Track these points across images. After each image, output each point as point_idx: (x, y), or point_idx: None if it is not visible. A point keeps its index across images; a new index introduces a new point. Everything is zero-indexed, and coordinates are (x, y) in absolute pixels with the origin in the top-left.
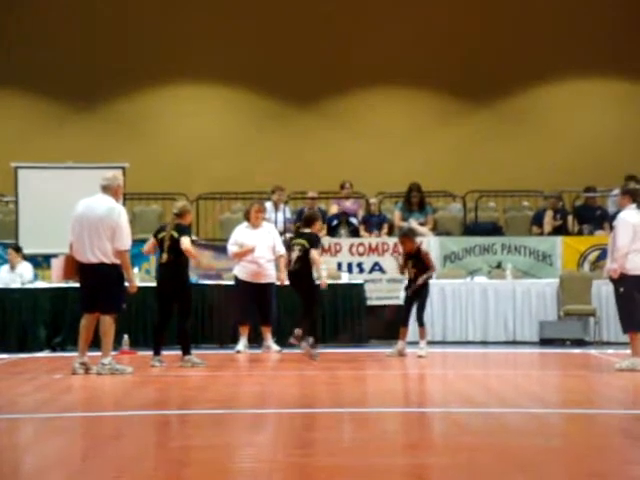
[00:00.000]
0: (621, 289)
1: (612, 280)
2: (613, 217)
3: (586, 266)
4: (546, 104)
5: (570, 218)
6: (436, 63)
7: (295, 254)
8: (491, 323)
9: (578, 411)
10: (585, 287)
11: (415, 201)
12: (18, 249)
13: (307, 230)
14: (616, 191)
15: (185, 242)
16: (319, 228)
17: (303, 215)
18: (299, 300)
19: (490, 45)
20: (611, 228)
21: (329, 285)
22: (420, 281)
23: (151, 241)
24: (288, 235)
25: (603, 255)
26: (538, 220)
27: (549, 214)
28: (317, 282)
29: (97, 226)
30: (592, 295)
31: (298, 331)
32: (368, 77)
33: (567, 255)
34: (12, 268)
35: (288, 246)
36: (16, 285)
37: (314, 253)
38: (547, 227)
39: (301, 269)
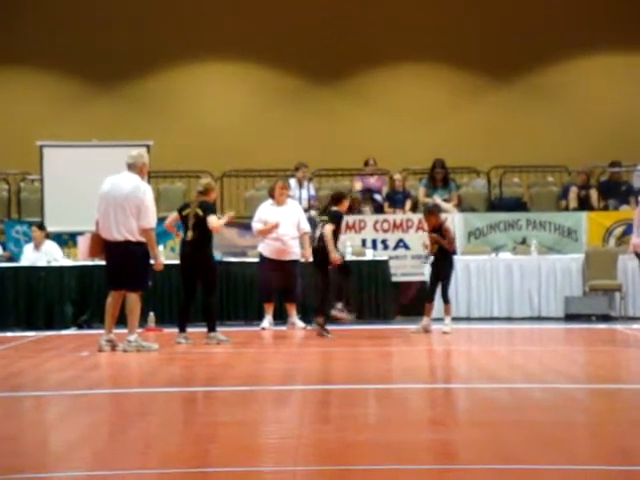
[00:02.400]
0: None
1: (638, 255)
2: (638, 192)
3: (611, 241)
4: (571, 79)
5: (595, 193)
6: (460, 38)
7: (319, 231)
8: (516, 299)
9: (604, 386)
10: (611, 262)
11: (439, 177)
12: (42, 227)
13: (334, 208)
14: None
15: (212, 221)
16: (346, 206)
17: (333, 193)
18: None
19: (515, 20)
20: (637, 203)
21: (354, 262)
22: (431, 250)
23: (173, 216)
24: (312, 212)
25: (629, 230)
26: (564, 196)
27: (574, 190)
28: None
29: (123, 204)
30: (618, 270)
31: (340, 305)
32: (392, 53)
33: (592, 230)
34: (37, 247)
35: (313, 223)
36: (42, 263)
37: (327, 228)
38: (572, 202)
39: (324, 246)
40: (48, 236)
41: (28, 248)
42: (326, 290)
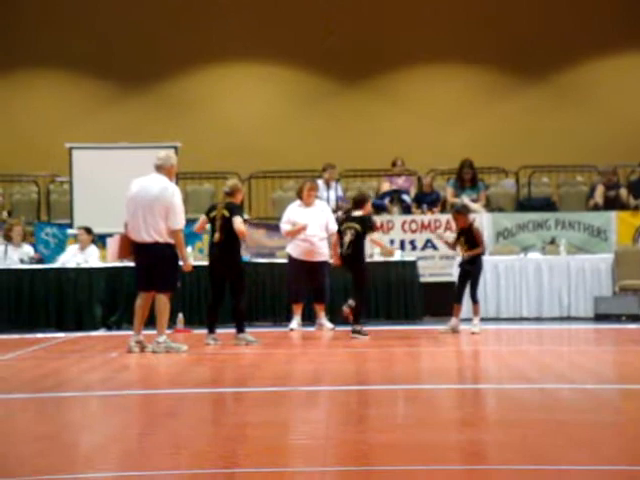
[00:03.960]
0: None
1: None
2: None
3: None
4: (599, 78)
5: (625, 193)
6: (487, 38)
7: (348, 238)
8: (545, 299)
9: (634, 387)
10: None
11: (467, 177)
12: (90, 231)
13: (358, 212)
14: None
15: (237, 222)
16: (370, 209)
17: (354, 196)
18: (351, 280)
19: (543, 19)
20: None
21: (383, 263)
22: (466, 257)
23: (202, 219)
24: (340, 213)
25: None
26: (592, 195)
27: (600, 188)
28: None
29: (151, 205)
30: None
31: (352, 302)
32: (419, 53)
33: (622, 230)
34: (81, 249)
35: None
36: (71, 265)
37: (375, 236)
38: (598, 200)
39: (353, 253)
40: (94, 241)
41: (71, 249)
42: (361, 295)
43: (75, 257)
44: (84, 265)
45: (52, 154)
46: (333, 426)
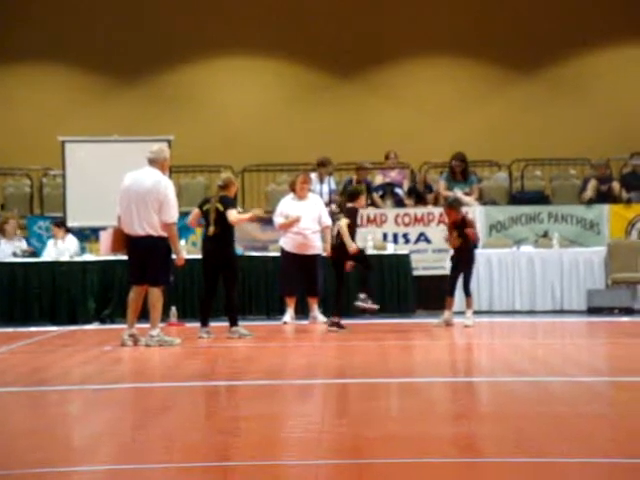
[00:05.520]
0: None
1: None
2: None
3: (634, 234)
4: (592, 71)
5: (617, 186)
6: (480, 31)
7: (336, 229)
8: (538, 292)
9: (627, 379)
10: (633, 255)
11: (458, 170)
12: (61, 224)
13: (350, 205)
14: None
15: (231, 216)
16: (363, 203)
17: (347, 189)
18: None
19: (534, 12)
20: None
21: (375, 256)
22: (454, 243)
23: (195, 212)
24: (333, 206)
25: None
26: (584, 188)
27: (593, 181)
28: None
29: (145, 199)
30: None
31: (363, 295)
32: (411, 46)
33: (615, 223)
34: (58, 242)
35: (334, 217)
36: (64, 258)
37: (342, 221)
38: (591, 193)
39: (342, 243)
40: (70, 231)
41: (50, 243)
42: (340, 287)
43: (56, 248)
44: (76, 258)
45: (45, 147)
46: (327, 419)
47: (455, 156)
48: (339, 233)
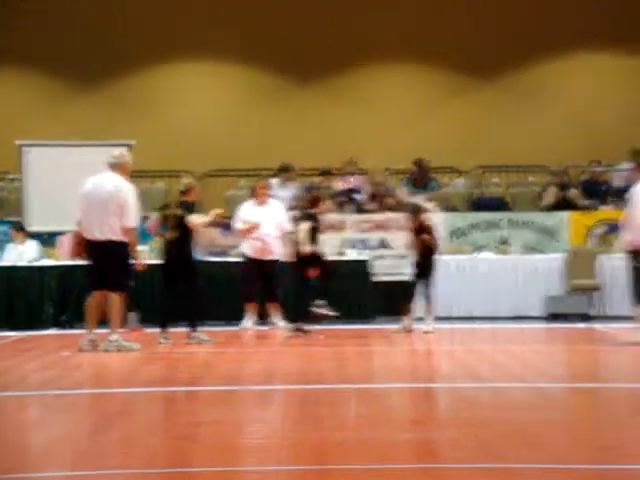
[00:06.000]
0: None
1: (631, 252)
2: (618, 191)
3: (593, 241)
4: (550, 79)
5: (576, 193)
6: (441, 37)
7: (301, 234)
8: (498, 298)
9: (584, 385)
10: (591, 262)
11: (417, 177)
12: (20, 228)
13: (312, 211)
14: (623, 165)
15: (192, 220)
16: (324, 209)
17: (308, 195)
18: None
19: (496, 19)
20: (619, 202)
21: (335, 261)
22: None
23: (155, 218)
24: (295, 212)
25: (611, 230)
26: (544, 195)
27: (551, 188)
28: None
29: (105, 204)
30: (597, 270)
31: (321, 302)
32: (372, 52)
33: (574, 230)
34: (18, 246)
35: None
36: (22, 263)
37: (302, 226)
38: (550, 200)
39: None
40: (31, 236)
41: (9, 248)
42: (302, 293)
43: (17, 251)
44: (35, 263)
45: (3, 151)
46: (286, 425)
47: (415, 163)
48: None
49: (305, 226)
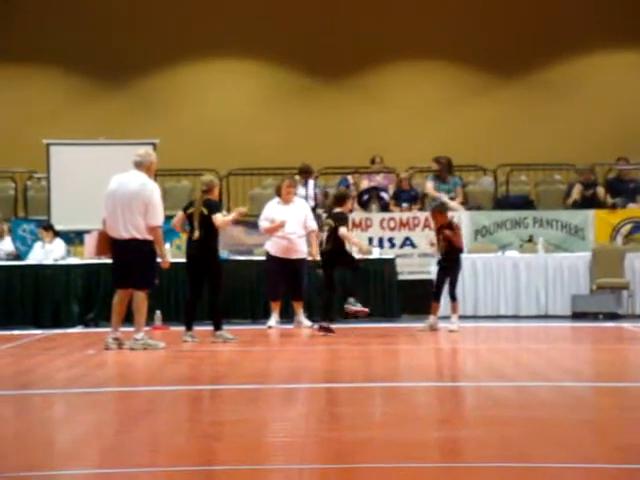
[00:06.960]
0: None
1: None
2: None
3: (619, 239)
4: (578, 76)
5: (602, 191)
6: (466, 35)
7: (324, 234)
8: (523, 297)
9: (611, 384)
10: (618, 260)
11: (440, 175)
12: (49, 227)
13: (338, 209)
14: None
15: (217, 218)
16: (350, 207)
17: (335, 194)
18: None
19: (521, 17)
20: None
21: (360, 260)
22: (439, 248)
23: (180, 216)
24: (320, 210)
25: (638, 228)
26: (570, 193)
27: (578, 186)
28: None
29: (130, 202)
30: (625, 268)
31: (352, 299)
32: (398, 51)
33: (600, 228)
34: (45, 245)
35: (320, 222)
36: (48, 262)
37: (342, 230)
38: (576, 198)
39: (332, 249)
40: (58, 234)
41: (36, 247)
42: (330, 292)
43: (44, 250)
44: (61, 262)
45: (30, 150)
46: (311, 424)
47: (433, 159)
48: (328, 238)
49: (342, 230)
